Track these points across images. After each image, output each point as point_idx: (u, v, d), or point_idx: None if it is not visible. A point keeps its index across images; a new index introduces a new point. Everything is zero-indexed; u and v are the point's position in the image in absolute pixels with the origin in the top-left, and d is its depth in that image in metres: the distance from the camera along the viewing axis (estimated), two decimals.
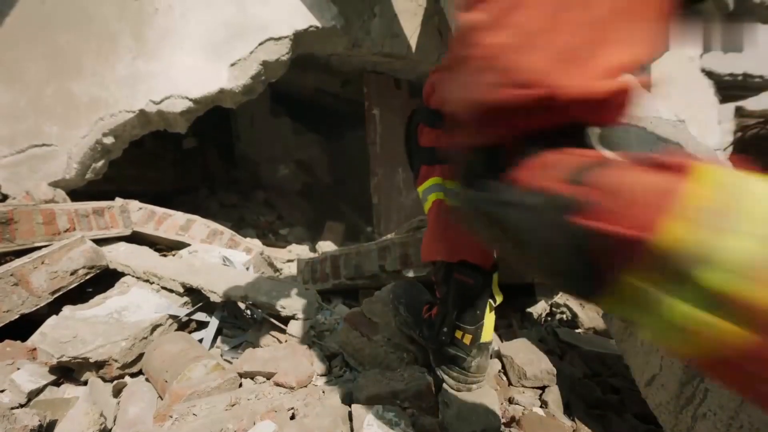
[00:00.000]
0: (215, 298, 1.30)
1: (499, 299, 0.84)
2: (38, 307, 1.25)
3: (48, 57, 2.10)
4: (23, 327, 1.22)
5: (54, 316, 1.22)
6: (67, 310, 1.24)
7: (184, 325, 1.32)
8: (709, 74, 2.83)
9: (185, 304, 1.35)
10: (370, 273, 1.44)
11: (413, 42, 2.77)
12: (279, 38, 2.22)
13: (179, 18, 2.17)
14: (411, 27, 2.89)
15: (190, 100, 2.12)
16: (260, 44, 2.19)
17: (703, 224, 0.28)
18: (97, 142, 2.10)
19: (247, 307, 1.35)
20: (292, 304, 1.27)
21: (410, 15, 2.86)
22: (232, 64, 2.17)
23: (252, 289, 1.29)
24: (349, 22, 2.53)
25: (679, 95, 2.74)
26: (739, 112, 3.25)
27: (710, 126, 2.77)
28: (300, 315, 1.25)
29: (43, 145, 2.09)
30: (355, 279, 1.53)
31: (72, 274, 1.35)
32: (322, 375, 1.03)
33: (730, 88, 2.98)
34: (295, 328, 1.25)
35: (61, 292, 1.32)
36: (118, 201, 1.86)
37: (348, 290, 1.65)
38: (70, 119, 2.09)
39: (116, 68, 2.11)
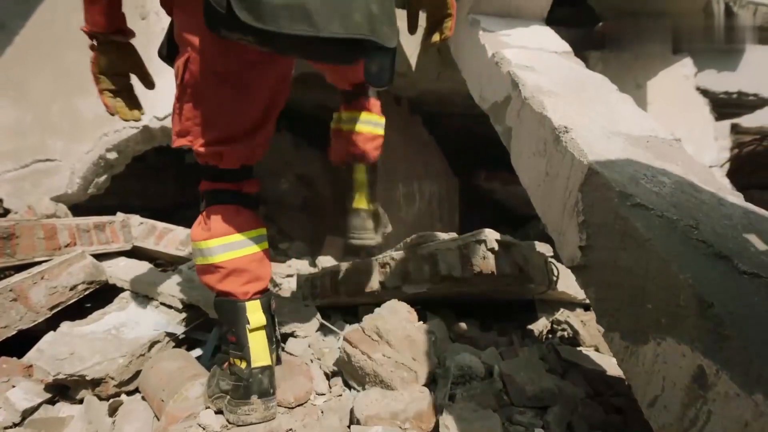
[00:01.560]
0: (213, 315, 1.29)
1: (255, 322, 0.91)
2: (36, 323, 1.25)
3: (56, 74, 2.14)
4: (20, 343, 1.21)
5: (52, 333, 1.21)
6: (65, 326, 1.24)
7: (182, 342, 1.31)
8: (705, 92, 2.88)
9: (184, 320, 1.35)
10: (370, 289, 1.44)
11: (413, 60, 2.82)
12: None
13: None
14: (411, 46, 2.95)
15: None
16: None
17: None
18: (100, 157, 2.13)
19: None
20: (291, 321, 1.26)
21: (410, 35, 2.92)
22: None
23: None
24: None
25: (675, 113, 2.78)
26: (735, 129, 3.29)
27: (707, 143, 2.80)
28: (299, 333, 1.25)
29: (47, 160, 2.11)
30: (355, 295, 1.52)
31: (71, 289, 1.35)
32: (320, 394, 1.02)
33: (725, 106, 3.03)
34: (293, 345, 1.24)
35: (59, 308, 1.32)
36: (120, 216, 1.87)
37: (348, 307, 1.64)
38: (74, 135, 2.12)
39: None
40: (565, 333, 1.43)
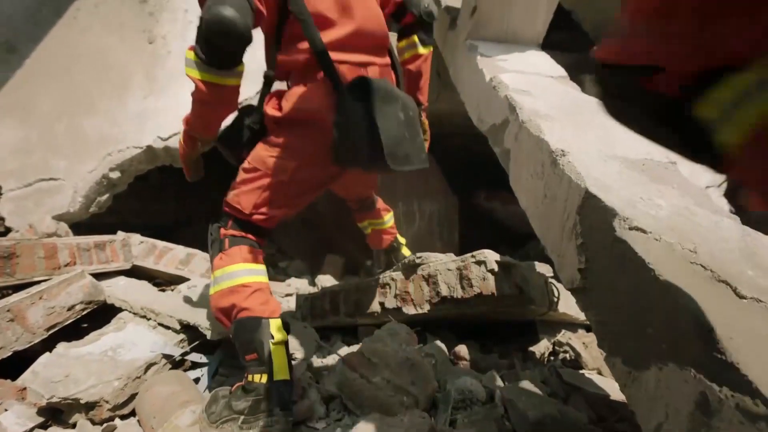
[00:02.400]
0: (212, 336, 1.28)
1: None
2: (32, 344, 1.23)
3: (63, 95, 2.19)
4: (15, 364, 1.19)
5: (47, 354, 1.20)
6: (61, 347, 1.22)
7: (180, 363, 1.29)
8: None
9: (182, 341, 1.33)
10: (370, 310, 1.43)
11: None
12: None
13: None
14: None
15: None
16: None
17: None
18: (103, 176, 2.15)
19: None
20: (290, 343, 1.24)
21: None
22: (240, 102, 2.25)
23: None
24: None
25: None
26: None
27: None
28: (298, 354, 1.23)
29: (51, 179, 2.13)
30: (354, 316, 1.51)
31: (69, 309, 1.34)
32: (320, 418, 1.00)
33: None
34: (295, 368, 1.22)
35: (56, 329, 1.30)
36: (120, 235, 1.88)
37: (348, 327, 1.62)
38: (78, 154, 2.15)
39: (128, 106, 2.19)
40: (567, 355, 1.41)
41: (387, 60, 1.17)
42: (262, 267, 1.09)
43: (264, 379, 0.93)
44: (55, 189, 2.12)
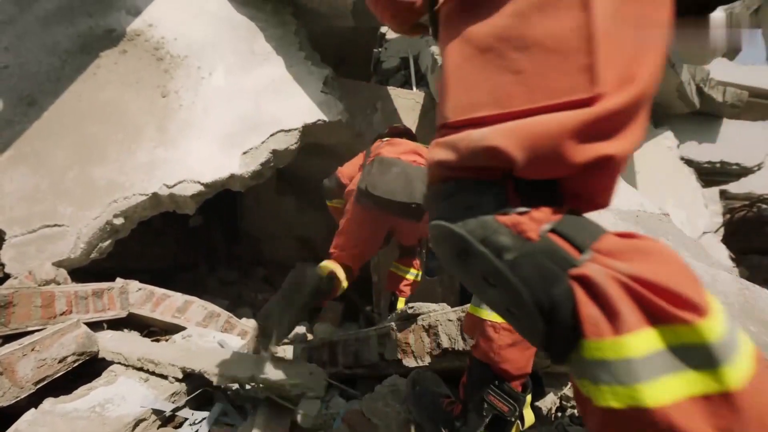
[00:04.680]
0: (219, 382, 1.23)
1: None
2: (19, 399, 1.18)
3: (76, 145, 2.28)
4: None
5: (32, 411, 1.15)
6: (47, 403, 1.17)
7: (170, 419, 1.23)
8: (689, 162, 3.03)
9: (174, 394, 1.28)
10: (369, 362, 1.39)
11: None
12: (289, 130, 2.43)
13: (201, 112, 2.40)
14: (409, 119, 3.17)
15: (202, 184, 2.24)
16: (271, 135, 2.39)
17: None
18: (107, 222, 2.18)
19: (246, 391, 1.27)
20: (302, 382, 1.20)
21: (408, 110, 3.16)
22: (244, 153, 2.34)
23: (258, 370, 1.24)
24: (353, 115, 2.79)
25: (664, 180, 2.90)
26: (725, 195, 3.40)
27: (698, 209, 2.87)
28: (311, 393, 1.18)
29: (55, 225, 2.15)
30: (353, 368, 1.46)
31: (60, 361, 1.30)
32: None
33: (710, 174, 3.16)
34: (306, 406, 1.17)
35: (45, 382, 1.26)
36: (119, 282, 1.87)
37: (346, 379, 1.56)
38: (85, 201, 2.19)
39: (137, 155, 2.28)
40: (575, 411, 1.34)
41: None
42: None
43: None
44: (59, 235, 2.14)
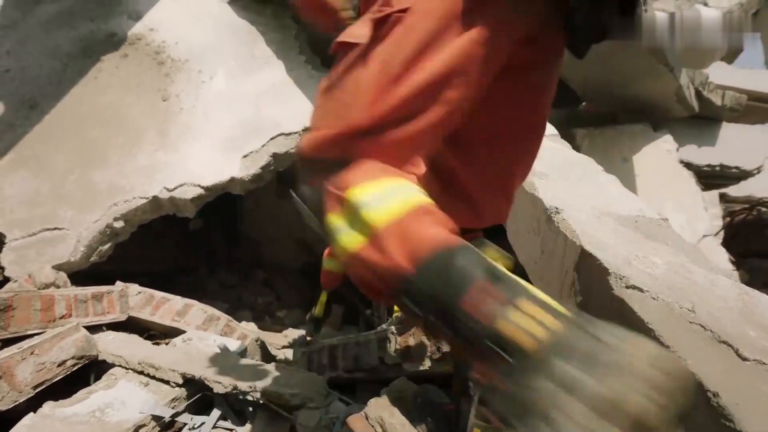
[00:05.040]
0: (219, 389, 1.23)
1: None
2: (17, 403, 1.18)
3: (77, 148, 2.28)
4: None
5: (31, 415, 1.14)
6: (47, 407, 1.17)
7: (170, 424, 1.23)
8: (688, 165, 3.03)
9: (174, 399, 1.28)
10: (369, 366, 1.39)
11: None
12: (289, 133, 2.43)
13: (201, 116, 2.41)
14: None
15: (202, 187, 2.25)
16: (272, 138, 2.40)
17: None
18: (107, 226, 2.18)
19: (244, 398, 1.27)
20: (301, 392, 1.20)
21: None
22: (245, 156, 2.34)
23: (258, 377, 1.25)
24: None
25: (664, 184, 2.90)
26: (724, 198, 3.40)
27: (697, 212, 2.88)
28: (311, 403, 1.18)
29: (55, 228, 2.16)
30: (353, 371, 1.46)
31: (59, 365, 1.30)
32: None
33: (709, 177, 3.17)
34: (305, 416, 1.17)
35: (44, 386, 1.26)
36: (119, 285, 1.87)
37: (346, 384, 1.56)
38: (85, 204, 2.19)
39: (138, 159, 2.28)
40: None
41: None
42: None
43: None
44: (59, 238, 2.14)
